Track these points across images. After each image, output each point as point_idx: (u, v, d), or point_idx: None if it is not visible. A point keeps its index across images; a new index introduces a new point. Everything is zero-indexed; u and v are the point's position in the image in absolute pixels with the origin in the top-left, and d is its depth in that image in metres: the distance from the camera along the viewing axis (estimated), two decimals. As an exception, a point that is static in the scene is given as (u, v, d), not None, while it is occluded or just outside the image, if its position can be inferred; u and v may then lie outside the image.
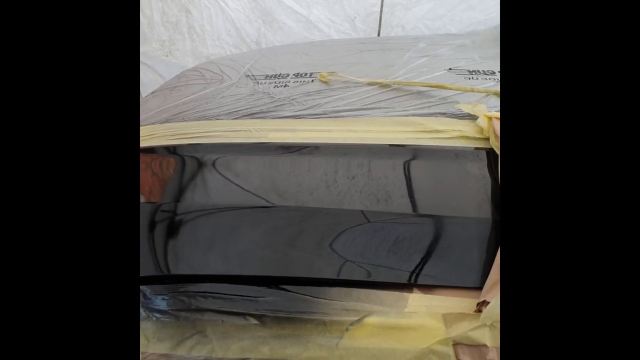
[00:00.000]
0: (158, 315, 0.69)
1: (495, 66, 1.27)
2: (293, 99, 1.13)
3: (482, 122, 0.84)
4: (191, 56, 2.57)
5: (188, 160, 0.91)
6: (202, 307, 0.69)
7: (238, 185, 0.83)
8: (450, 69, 1.26)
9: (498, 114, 0.82)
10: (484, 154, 0.83)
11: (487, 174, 0.79)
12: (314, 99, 1.12)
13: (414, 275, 0.71)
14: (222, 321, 0.68)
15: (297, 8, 2.39)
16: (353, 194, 0.78)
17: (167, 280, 0.72)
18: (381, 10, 2.46)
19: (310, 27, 2.45)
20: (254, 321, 0.68)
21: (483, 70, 1.23)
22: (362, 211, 0.76)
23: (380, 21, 2.48)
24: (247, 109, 1.11)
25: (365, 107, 1.04)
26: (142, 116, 1.16)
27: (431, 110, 0.97)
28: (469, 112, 0.89)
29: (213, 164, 0.89)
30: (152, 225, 0.79)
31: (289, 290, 0.70)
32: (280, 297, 0.69)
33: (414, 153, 0.85)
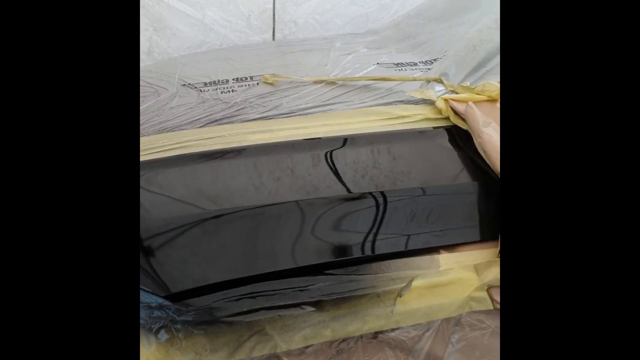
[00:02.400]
0: (205, 327, 0.69)
1: (413, 58, 1.45)
2: (249, 102, 1.16)
3: (440, 104, 0.99)
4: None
5: (202, 168, 0.90)
6: (254, 308, 0.71)
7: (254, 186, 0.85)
8: (378, 63, 1.40)
9: (453, 96, 0.98)
10: (443, 131, 0.99)
11: (456, 147, 0.94)
12: (271, 100, 1.16)
13: (438, 238, 0.83)
14: (279, 315, 0.71)
15: (190, 12, 2.33)
16: (360, 180, 0.87)
17: (207, 290, 0.72)
18: (274, 7, 2.53)
19: (206, 30, 2.41)
20: (310, 308, 0.72)
21: (406, 62, 1.40)
22: (377, 193, 0.84)
23: (274, 17, 2.55)
24: (207, 116, 1.10)
25: (326, 103, 1.12)
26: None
27: (386, 100, 1.10)
28: (423, 97, 1.03)
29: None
30: (176, 235, 0.77)
31: (335, 274, 0.76)
32: (329, 282, 0.75)
33: (390, 138, 0.97)
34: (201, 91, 1.27)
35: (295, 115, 1.07)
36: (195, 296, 0.70)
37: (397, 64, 1.40)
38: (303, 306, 0.73)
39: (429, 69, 1.32)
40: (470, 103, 0.92)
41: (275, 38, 2.61)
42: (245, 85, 1.28)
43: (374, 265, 0.77)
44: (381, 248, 0.80)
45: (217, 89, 1.27)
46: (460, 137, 0.95)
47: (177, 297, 0.69)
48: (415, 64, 1.39)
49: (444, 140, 0.96)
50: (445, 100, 0.98)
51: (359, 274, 0.76)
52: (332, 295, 0.74)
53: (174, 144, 0.98)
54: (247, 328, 0.70)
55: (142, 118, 1.15)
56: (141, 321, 0.68)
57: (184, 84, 1.33)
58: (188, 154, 0.95)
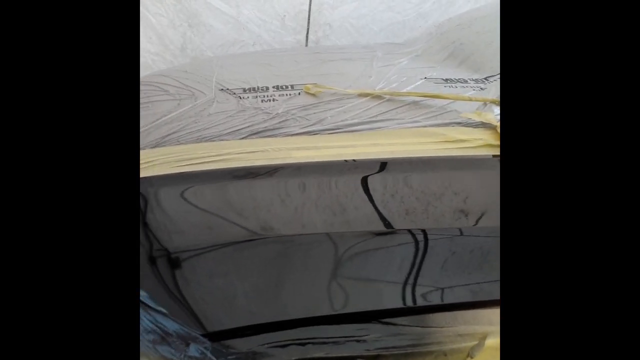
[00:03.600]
0: None
1: (462, 74, 1.37)
2: (292, 115, 1.10)
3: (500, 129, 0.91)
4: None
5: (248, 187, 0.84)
6: (304, 357, 0.63)
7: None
8: (425, 77, 1.32)
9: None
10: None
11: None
12: (315, 113, 1.10)
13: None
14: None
15: (226, 9, 2.28)
16: (420, 214, 0.80)
17: (251, 331, 0.65)
18: (309, 9, 2.48)
19: (240, 28, 2.37)
20: (366, 364, 0.65)
21: (456, 79, 1.32)
22: (442, 231, 0.76)
23: (309, 19, 2.49)
24: (248, 126, 1.05)
25: (373, 119, 1.05)
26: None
27: (441, 121, 1.02)
28: (482, 120, 0.95)
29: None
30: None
31: (393, 324, 0.68)
32: (387, 333, 0.67)
33: (451, 165, 0.89)
34: (240, 98, 1.21)
35: (341, 132, 1.00)
36: (237, 337, 0.63)
37: (446, 80, 1.32)
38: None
39: (482, 88, 1.24)
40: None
41: (309, 40, 2.55)
42: (286, 95, 1.21)
43: (436, 316, 0.69)
44: (449, 297, 0.72)
45: (257, 97, 1.21)
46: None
47: (216, 337, 0.63)
48: (466, 81, 1.30)
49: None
50: (509, 126, 0.90)
51: (423, 327, 0.68)
52: (392, 350, 0.66)
53: (213, 156, 0.93)
54: None
55: (179, 123, 1.09)
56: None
57: (222, 89, 1.27)
58: (230, 168, 0.89)
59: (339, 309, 0.69)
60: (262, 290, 0.69)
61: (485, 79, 1.31)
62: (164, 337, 0.63)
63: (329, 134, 0.99)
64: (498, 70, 1.32)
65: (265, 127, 1.04)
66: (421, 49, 1.65)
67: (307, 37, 2.53)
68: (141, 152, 0.97)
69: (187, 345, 0.62)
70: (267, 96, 1.21)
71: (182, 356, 0.62)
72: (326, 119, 1.06)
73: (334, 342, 0.65)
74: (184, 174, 0.88)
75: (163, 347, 0.63)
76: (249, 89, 1.26)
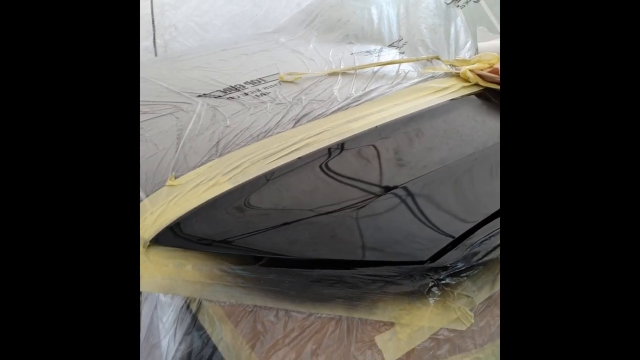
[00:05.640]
0: (467, 272, 0.78)
1: (370, 46, 1.68)
2: (299, 99, 1.22)
3: (469, 74, 1.27)
4: None
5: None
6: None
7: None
8: (352, 53, 1.58)
9: (475, 66, 1.27)
10: (485, 93, 1.26)
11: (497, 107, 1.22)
12: (319, 94, 1.24)
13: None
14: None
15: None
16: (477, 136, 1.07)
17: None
18: (152, 12, 2.38)
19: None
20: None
21: (374, 49, 1.63)
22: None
23: (153, 23, 2.40)
24: (282, 118, 1.12)
25: (367, 91, 1.27)
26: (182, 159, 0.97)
27: (415, 80, 1.32)
28: (453, 68, 1.29)
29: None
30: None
31: None
32: None
33: (450, 107, 1.20)
34: (233, 98, 1.24)
35: (362, 103, 1.19)
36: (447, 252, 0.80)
37: (367, 52, 1.61)
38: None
39: (401, 52, 1.58)
40: (496, 67, 1.23)
41: (157, 44, 2.45)
42: (269, 87, 1.30)
43: None
44: None
45: (247, 94, 1.26)
46: (496, 96, 1.25)
47: (433, 259, 0.79)
48: (382, 50, 1.63)
49: (493, 99, 1.23)
50: (472, 71, 1.27)
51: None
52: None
53: (290, 145, 0.99)
54: (495, 263, 0.79)
55: (212, 133, 1.06)
56: (410, 290, 0.76)
57: (200, 95, 1.26)
58: (314, 151, 0.98)
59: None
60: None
61: (392, 45, 1.67)
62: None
63: (356, 105, 1.17)
64: (392, 38, 1.68)
65: (298, 114, 1.13)
66: (309, 32, 1.88)
67: (154, 42, 2.43)
68: (204, 167, 0.95)
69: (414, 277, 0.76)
70: (255, 91, 1.27)
71: (418, 287, 0.76)
72: (335, 97, 1.22)
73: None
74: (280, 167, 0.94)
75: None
76: (227, 89, 1.29)
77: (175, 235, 0.81)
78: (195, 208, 0.84)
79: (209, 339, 0.73)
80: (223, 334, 0.72)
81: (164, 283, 0.74)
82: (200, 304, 0.74)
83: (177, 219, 0.82)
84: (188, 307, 0.75)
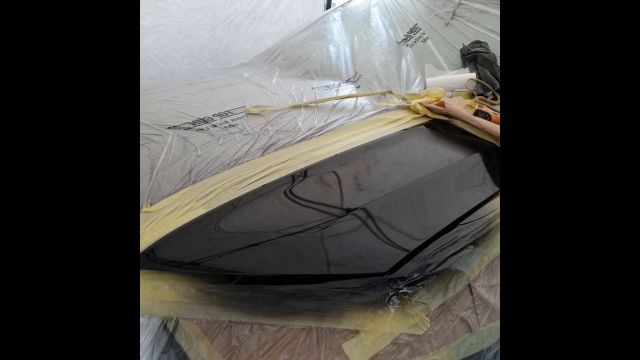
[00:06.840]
0: (421, 282, 0.86)
1: (328, 81, 1.81)
2: (265, 130, 1.30)
3: (418, 107, 1.41)
4: None
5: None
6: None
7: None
8: (312, 87, 1.70)
9: (425, 100, 1.42)
10: (433, 124, 1.39)
11: (449, 132, 1.35)
12: (284, 126, 1.34)
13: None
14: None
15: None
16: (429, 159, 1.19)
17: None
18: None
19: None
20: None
21: (332, 84, 1.75)
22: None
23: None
24: (250, 147, 1.20)
25: (329, 122, 1.37)
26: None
27: (371, 112, 1.44)
28: (404, 103, 1.43)
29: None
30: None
31: None
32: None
33: (402, 136, 1.32)
34: (202, 129, 1.30)
35: (324, 133, 1.29)
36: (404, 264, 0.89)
37: (327, 86, 1.74)
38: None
39: (357, 86, 1.72)
40: (445, 102, 1.37)
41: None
42: (236, 118, 1.38)
43: None
44: None
45: (215, 126, 1.33)
46: (442, 126, 1.39)
47: (392, 271, 0.87)
48: (340, 84, 1.76)
49: (440, 129, 1.37)
50: (421, 104, 1.41)
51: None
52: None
53: (259, 172, 1.07)
54: (447, 273, 0.89)
55: (183, 163, 1.12)
56: (373, 300, 0.84)
57: (169, 127, 1.32)
58: (280, 178, 1.06)
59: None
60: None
61: (349, 80, 1.80)
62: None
63: (319, 135, 1.27)
64: (349, 74, 1.82)
65: (265, 143, 1.22)
66: (272, 68, 2.00)
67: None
68: (178, 194, 1.01)
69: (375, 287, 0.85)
70: (223, 123, 1.35)
71: (380, 296, 0.84)
72: (299, 127, 1.32)
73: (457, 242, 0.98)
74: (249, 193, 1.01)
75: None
76: (196, 121, 1.36)
77: (152, 259, 0.85)
78: (169, 233, 0.89)
79: (185, 356, 0.77)
80: (199, 351, 0.76)
81: (143, 305, 0.78)
82: (177, 322, 0.79)
83: (153, 243, 0.87)
84: (165, 326, 0.79)
